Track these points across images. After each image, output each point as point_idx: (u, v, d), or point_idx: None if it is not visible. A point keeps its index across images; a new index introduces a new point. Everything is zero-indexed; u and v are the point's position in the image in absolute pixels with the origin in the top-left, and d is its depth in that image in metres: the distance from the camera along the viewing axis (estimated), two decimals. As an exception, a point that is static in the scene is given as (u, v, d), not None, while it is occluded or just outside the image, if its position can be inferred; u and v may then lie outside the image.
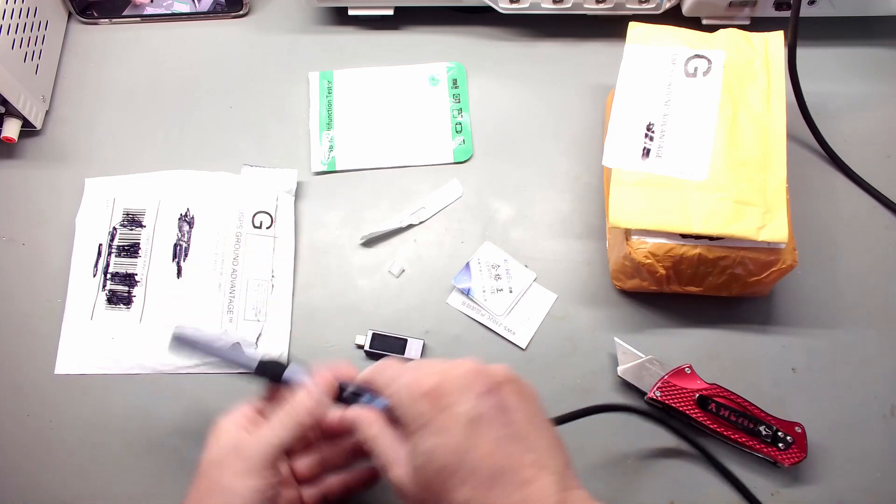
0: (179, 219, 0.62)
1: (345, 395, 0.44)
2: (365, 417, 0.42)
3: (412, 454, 0.38)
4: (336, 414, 0.43)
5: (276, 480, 0.41)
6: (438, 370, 0.39)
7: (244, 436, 0.42)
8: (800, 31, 0.61)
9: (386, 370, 0.41)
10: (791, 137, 0.61)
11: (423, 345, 0.58)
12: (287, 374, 0.45)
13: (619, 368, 0.56)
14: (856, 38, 0.70)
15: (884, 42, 0.70)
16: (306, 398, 0.43)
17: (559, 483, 0.36)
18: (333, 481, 0.47)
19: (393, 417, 0.41)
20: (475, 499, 0.36)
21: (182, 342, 0.48)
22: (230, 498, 0.39)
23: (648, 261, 0.54)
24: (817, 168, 0.65)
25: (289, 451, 0.46)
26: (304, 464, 0.47)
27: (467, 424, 0.37)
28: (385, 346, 0.58)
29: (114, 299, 0.59)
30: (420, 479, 0.37)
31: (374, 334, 0.58)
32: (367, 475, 0.47)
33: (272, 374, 0.46)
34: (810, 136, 0.64)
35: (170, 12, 0.71)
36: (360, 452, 0.47)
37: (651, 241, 0.53)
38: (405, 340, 0.58)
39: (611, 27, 0.67)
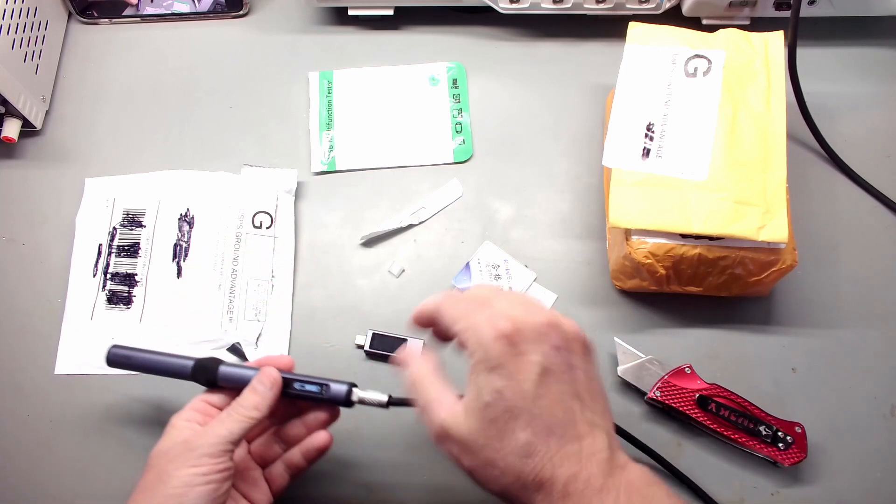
0: (179, 219, 0.62)
1: (290, 390, 0.47)
2: (415, 358, 0.42)
3: (481, 391, 0.38)
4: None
5: (222, 468, 0.42)
6: (515, 314, 0.39)
7: (195, 429, 0.44)
8: (800, 31, 0.61)
9: (458, 303, 0.41)
10: (791, 137, 0.61)
11: (424, 345, 0.58)
12: (222, 377, 0.47)
13: (619, 368, 0.56)
14: (856, 38, 0.70)
15: (884, 42, 0.70)
16: (253, 396, 0.45)
17: (608, 442, 0.38)
18: (293, 454, 0.48)
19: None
20: (533, 443, 0.37)
21: (118, 359, 0.50)
22: (175, 483, 0.41)
23: (648, 261, 0.54)
24: (817, 168, 0.65)
25: (248, 439, 0.49)
26: (262, 444, 0.49)
27: (540, 374, 0.38)
28: (385, 345, 0.58)
29: (114, 299, 0.59)
30: (484, 416, 0.37)
31: (374, 334, 0.58)
32: (322, 442, 0.48)
33: (206, 379, 0.47)
34: (810, 136, 0.64)
35: (170, 12, 0.71)
36: (315, 426, 0.48)
37: (651, 241, 0.53)
38: (405, 340, 0.58)
39: (611, 27, 0.67)
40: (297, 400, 0.48)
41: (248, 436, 0.48)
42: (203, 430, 0.43)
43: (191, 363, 0.48)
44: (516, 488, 0.37)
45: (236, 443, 0.43)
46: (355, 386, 0.47)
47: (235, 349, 0.58)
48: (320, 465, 0.55)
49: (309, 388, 0.47)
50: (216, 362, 0.47)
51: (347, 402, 0.46)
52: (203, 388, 0.48)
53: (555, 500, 0.37)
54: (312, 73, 0.69)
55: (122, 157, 0.65)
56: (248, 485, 0.47)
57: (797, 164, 0.63)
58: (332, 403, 0.47)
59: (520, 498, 0.38)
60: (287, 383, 0.46)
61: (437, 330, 0.43)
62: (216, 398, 0.47)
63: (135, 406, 0.57)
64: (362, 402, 0.46)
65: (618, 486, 0.37)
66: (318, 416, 0.48)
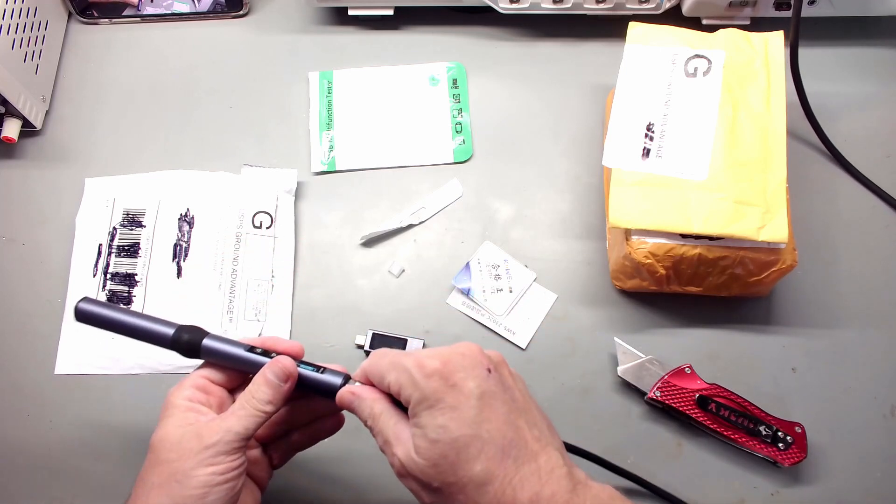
0: (179, 219, 0.62)
1: (303, 375, 0.43)
2: (367, 395, 0.41)
3: (425, 430, 0.37)
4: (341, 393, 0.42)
5: (238, 464, 0.41)
6: (438, 353, 0.39)
7: (202, 419, 0.41)
8: (800, 31, 0.61)
9: (384, 356, 0.41)
10: (793, 136, 0.61)
11: (423, 345, 0.58)
12: (206, 350, 0.44)
13: (619, 368, 0.56)
14: (856, 38, 0.70)
15: (884, 42, 0.70)
16: (267, 389, 0.42)
17: (563, 458, 0.38)
18: (298, 436, 0.47)
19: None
20: (489, 469, 0.36)
21: (86, 315, 0.44)
22: (193, 484, 0.39)
23: (648, 261, 0.54)
24: (818, 167, 0.65)
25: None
26: (268, 427, 0.47)
27: (478, 399, 0.38)
28: (385, 346, 0.58)
29: (114, 299, 0.59)
30: (434, 453, 0.37)
31: (374, 334, 0.58)
32: (332, 425, 0.47)
33: (187, 350, 0.44)
34: (813, 135, 0.64)
35: (170, 12, 0.71)
36: (324, 411, 0.47)
37: (651, 241, 0.53)
38: (405, 340, 0.58)
39: (611, 27, 0.67)
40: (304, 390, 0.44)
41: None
42: (215, 423, 0.41)
43: (172, 330, 0.44)
44: None
45: (249, 438, 0.41)
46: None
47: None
48: (320, 466, 0.55)
49: (320, 380, 0.43)
50: (201, 333, 0.44)
51: None
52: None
53: None
54: (312, 73, 0.69)
55: (122, 157, 0.65)
56: (250, 462, 0.45)
57: (797, 163, 0.63)
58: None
59: None
60: (317, 384, 0.43)
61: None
62: (217, 375, 0.45)
63: (134, 406, 0.57)
64: None
65: (588, 499, 0.37)
66: (329, 405, 0.44)
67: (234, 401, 0.43)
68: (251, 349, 0.44)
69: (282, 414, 0.46)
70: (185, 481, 0.39)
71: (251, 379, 0.43)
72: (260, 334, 0.58)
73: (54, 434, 0.56)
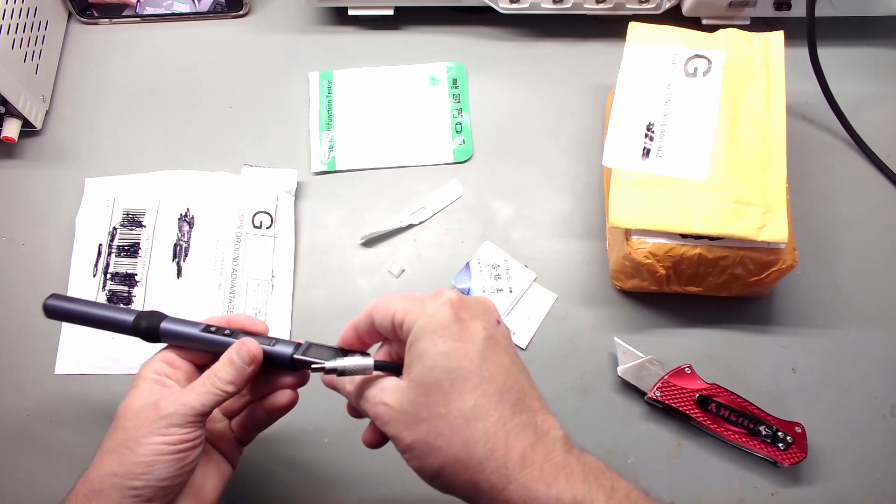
0: (179, 219, 0.62)
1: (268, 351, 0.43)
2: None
3: (423, 356, 0.37)
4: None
5: (191, 437, 0.41)
6: (455, 292, 0.39)
7: (165, 391, 0.42)
8: (799, 32, 0.61)
9: (396, 294, 0.41)
10: (795, 134, 0.61)
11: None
12: (164, 333, 0.45)
13: (619, 368, 0.56)
14: (856, 38, 0.70)
15: (884, 42, 0.70)
16: (230, 370, 0.42)
17: (560, 424, 0.38)
18: (257, 409, 0.47)
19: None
20: (483, 406, 0.36)
21: (54, 310, 0.46)
22: (143, 451, 0.40)
23: (648, 261, 0.54)
24: (817, 166, 0.65)
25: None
26: (233, 401, 0.47)
27: (484, 340, 0.37)
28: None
29: (114, 299, 0.59)
30: (428, 379, 0.36)
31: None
32: (288, 399, 0.46)
33: (147, 334, 0.45)
34: (814, 133, 0.64)
35: (170, 12, 0.71)
36: (281, 386, 0.46)
37: (651, 241, 0.53)
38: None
39: (611, 27, 0.67)
40: (288, 368, 0.45)
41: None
42: (174, 396, 0.41)
43: (132, 317, 0.45)
44: (462, 461, 0.35)
45: (207, 414, 0.42)
46: (339, 352, 0.44)
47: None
48: (321, 466, 0.55)
49: (272, 352, 0.43)
50: (159, 317, 0.45)
51: (342, 373, 0.42)
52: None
53: (510, 471, 0.35)
54: (312, 73, 0.69)
55: (122, 157, 0.65)
56: (216, 437, 0.46)
57: (798, 162, 0.63)
58: (327, 372, 0.43)
59: (464, 475, 0.35)
60: (273, 355, 0.44)
61: (369, 331, 0.42)
62: (184, 354, 0.45)
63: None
64: (341, 372, 0.42)
65: (580, 465, 0.36)
66: (286, 380, 0.46)
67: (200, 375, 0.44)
68: (208, 329, 0.45)
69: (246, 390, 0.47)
70: (135, 448, 0.40)
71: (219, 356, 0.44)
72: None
73: (54, 434, 0.56)
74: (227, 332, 0.44)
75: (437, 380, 0.36)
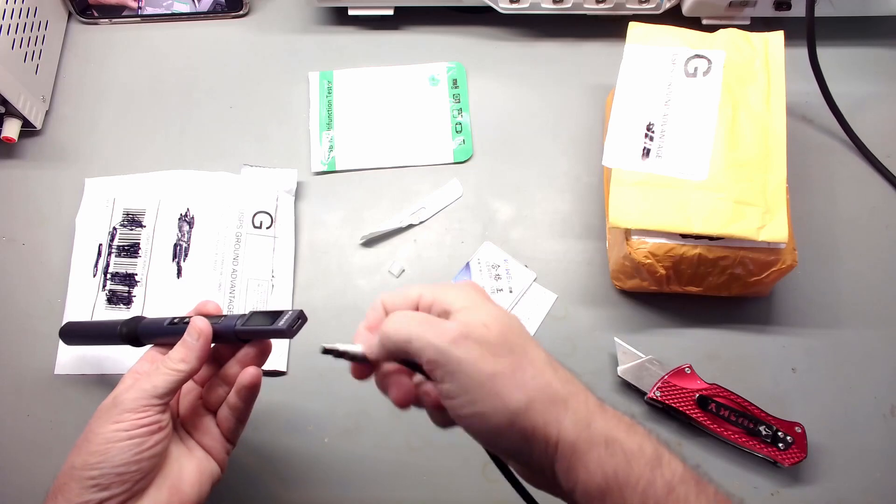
0: (179, 219, 0.62)
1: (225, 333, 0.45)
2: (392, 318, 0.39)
3: (479, 319, 0.36)
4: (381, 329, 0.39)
5: (146, 422, 0.41)
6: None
7: (127, 384, 0.43)
8: (799, 32, 0.61)
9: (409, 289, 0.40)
10: (794, 134, 0.61)
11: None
12: (142, 332, 0.48)
13: (619, 368, 0.56)
14: (856, 38, 0.70)
15: (884, 42, 0.70)
16: (181, 348, 0.44)
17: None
18: (231, 395, 0.47)
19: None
20: (550, 357, 0.37)
21: (71, 335, 0.53)
22: (97, 441, 0.41)
23: (648, 261, 0.54)
24: (817, 166, 0.65)
25: (199, 381, 0.48)
26: (209, 389, 0.48)
27: (521, 327, 0.38)
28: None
29: (114, 299, 0.59)
30: (505, 327, 0.37)
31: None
32: (249, 380, 0.46)
33: (131, 338, 0.48)
34: (815, 132, 0.64)
35: (170, 12, 0.71)
36: (247, 362, 0.46)
37: (651, 241, 0.53)
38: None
39: (611, 27, 0.67)
40: (237, 341, 0.46)
41: (198, 379, 0.47)
42: (130, 384, 0.43)
43: (117, 326, 0.49)
44: (550, 396, 0.35)
45: (163, 397, 0.42)
46: (302, 316, 0.44)
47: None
48: (321, 466, 0.55)
49: (220, 326, 0.45)
50: (137, 320, 0.48)
51: (286, 331, 0.43)
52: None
53: (591, 413, 0.35)
54: (312, 73, 0.69)
55: (122, 157, 0.65)
56: (200, 432, 0.46)
57: (798, 161, 0.63)
58: (271, 336, 0.45)
59: (552, 412, 0.35)
60: (220, 329, 0.45)
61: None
62: (167, 349, 0.46)
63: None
64: (298, 326, 0.43)
65: (618, 422, 0.36)
66: (247, 352, 0.46)
67: None
68: (172, 321, 0.47)
69: (220, 371, 0.47)
70: (91, 438, 0.41)
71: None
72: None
73: (54, 434, 0.56)
74: (187, 320, 0.46)
75: (502, 329, 0.36)
